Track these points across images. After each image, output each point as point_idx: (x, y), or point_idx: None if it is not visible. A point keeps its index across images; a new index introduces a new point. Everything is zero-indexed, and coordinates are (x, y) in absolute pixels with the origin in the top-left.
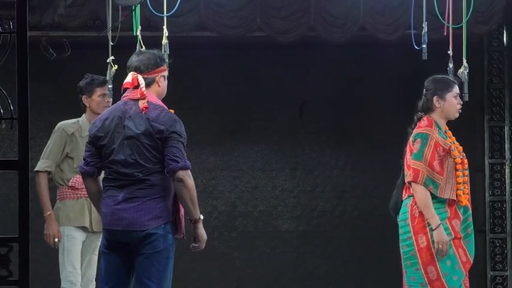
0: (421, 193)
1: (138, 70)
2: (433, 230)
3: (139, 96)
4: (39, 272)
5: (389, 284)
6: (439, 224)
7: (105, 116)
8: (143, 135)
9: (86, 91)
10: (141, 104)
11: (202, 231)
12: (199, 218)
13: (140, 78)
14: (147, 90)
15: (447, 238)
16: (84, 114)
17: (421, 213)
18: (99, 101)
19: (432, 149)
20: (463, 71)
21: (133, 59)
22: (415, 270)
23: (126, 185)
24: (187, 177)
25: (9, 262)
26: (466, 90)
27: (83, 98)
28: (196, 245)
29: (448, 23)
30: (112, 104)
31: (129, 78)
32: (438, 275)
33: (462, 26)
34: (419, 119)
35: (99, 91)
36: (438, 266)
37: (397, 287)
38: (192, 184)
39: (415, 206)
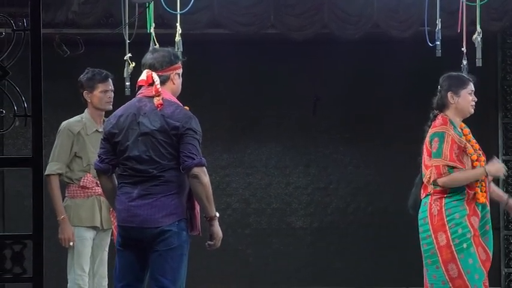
0: (449, 181)
1: (152, 68)
2: (486, 168)
3: (154, 93)
4: (53, 269)
5: (402, 280)
6: (483, 168)
7: (120, 113)
8: (158, 132)
9: (87, 86)
10: (156, 100)
11: (218, 229)
12: (215, 216)
13: (155, 75)
14: (161, 88)
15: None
16: (86, 110)
17: (439, 212)
18: (100, 96)
19: (450, 145)
20: (477, 36)
21: (148, 57)
22: (436, 268)
23: (141, 181)
24: (203, 174)
25: (23, 259)
26: (479, 55)
27: (84, 94)
28: (212, 242)
29: (462, 20)
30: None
31: (143, 75)
32: (460, 272)
33: (476, 23)
34: (434, 117)
35: (100, 87)
36: (459, 263)
37: (411, 284)
38: (208, 181)
39: (433, 204)
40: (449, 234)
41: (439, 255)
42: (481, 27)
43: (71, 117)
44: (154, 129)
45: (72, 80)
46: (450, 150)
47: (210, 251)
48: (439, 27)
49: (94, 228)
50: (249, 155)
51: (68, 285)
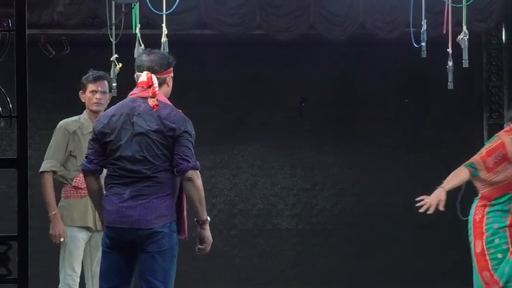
0: (457, 169)
1: (151, 70)
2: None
3: (151, 95)
4: (38, 270)
5: (388, 281)
6: (443, 187)
7: (112, 113)
8: (154, 132)
9: (82, 86)
10: (152, 102)
11: (208, 233)
12: (207, 219)
13: (154, 77)
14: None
15: (442, 197)
16: (85, 110)
17: (481, 219)
18: (89, 97)
19: (493, 146)
20: (463, 37)
21: (144, 59)
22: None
23: (133, 182)
24: (197, 177)
25: (8, 261)
26: (465, 56)
27: (80, 93)
28: (203, 247)
29: (447, 21)
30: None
31: (143, 77)
32: (492, 278)
33: (461, 24)
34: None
35: (90, 87)
36: (493, 272)
37: (396, 285)
38: (201, 184)
39: (478, 210)
40: (484, 243)
41: (475, 261)
42: (466, 28)
43: (56, 118)
44: (150, 129)
45: (57, 80)
46: (490, 151)
47: (196, 253)
48: (425, 28)
49: (87, 228)
50: (235, 156)
51: (59, 284)
